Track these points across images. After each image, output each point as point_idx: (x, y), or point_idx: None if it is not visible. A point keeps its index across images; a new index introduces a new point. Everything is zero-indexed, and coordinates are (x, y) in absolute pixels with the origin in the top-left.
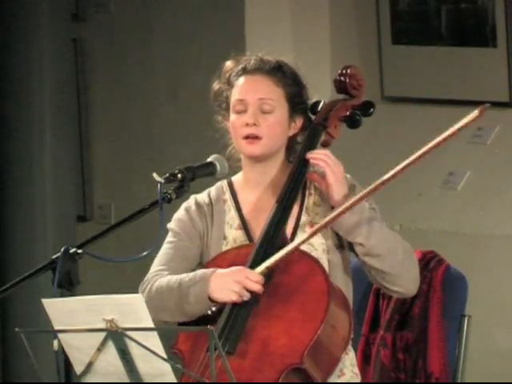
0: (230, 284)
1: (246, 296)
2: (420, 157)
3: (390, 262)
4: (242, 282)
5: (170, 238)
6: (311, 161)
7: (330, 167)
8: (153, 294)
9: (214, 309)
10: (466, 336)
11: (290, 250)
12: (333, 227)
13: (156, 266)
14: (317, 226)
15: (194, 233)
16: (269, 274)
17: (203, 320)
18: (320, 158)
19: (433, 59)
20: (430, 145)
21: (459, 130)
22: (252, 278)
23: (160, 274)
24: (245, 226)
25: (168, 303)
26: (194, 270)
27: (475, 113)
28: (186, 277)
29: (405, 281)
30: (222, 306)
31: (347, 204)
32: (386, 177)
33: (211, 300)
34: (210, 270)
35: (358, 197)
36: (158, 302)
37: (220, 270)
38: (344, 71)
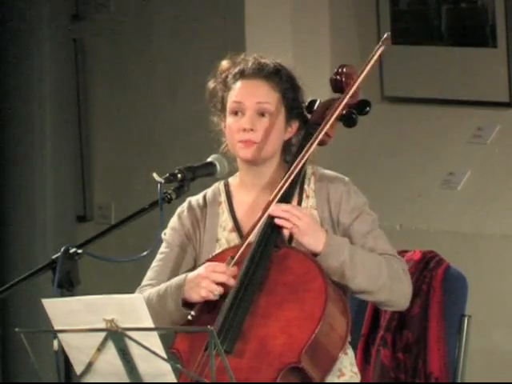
0: (198, 281)
1: (216, 289)
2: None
3: (379, 292)
4: (208, 276)
5: (162, 248)
6: (277, 222)
7: (296, 226)
8: None
9: (193, 313)
10: (466, 336)
11: (246, 239)
12: None
13: (146, 280)
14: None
15: (185, 240)
16: (266, 273)
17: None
18: (283, 216)
19: (433, 59)
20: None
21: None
22: (217, 270)
23: (145, 290)
24: (238, 228)
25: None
26: None
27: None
28: (163, 286)
29: (396, 302)
30: (200, 311)
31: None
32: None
33: (187, 303)
34: (183, 275)
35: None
36: None
37: (191, 273)
38: (340, 70)
